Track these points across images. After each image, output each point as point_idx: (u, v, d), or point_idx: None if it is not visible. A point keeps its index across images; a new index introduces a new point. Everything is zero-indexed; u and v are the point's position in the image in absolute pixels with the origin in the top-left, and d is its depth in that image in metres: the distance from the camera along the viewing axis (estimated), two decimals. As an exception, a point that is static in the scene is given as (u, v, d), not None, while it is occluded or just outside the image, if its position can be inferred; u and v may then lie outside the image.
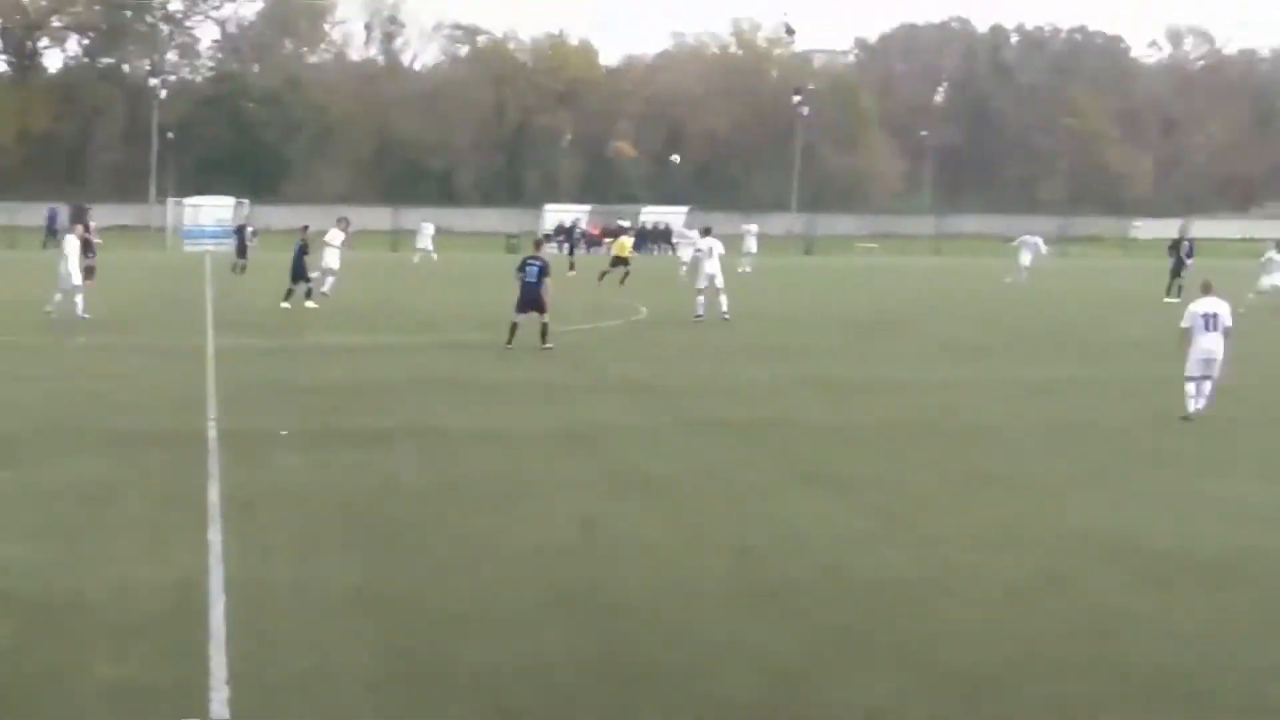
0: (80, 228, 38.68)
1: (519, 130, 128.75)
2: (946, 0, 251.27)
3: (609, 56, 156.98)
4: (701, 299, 38.67)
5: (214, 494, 16.11)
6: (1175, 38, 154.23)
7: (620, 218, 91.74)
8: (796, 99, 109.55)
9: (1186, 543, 14.95)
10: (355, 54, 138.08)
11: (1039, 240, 61.50)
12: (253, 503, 15.77)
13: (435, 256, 69.79)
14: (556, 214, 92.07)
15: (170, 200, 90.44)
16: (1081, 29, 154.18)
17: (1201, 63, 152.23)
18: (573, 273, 55.15)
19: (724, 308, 38.17)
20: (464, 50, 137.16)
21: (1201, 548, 14.76)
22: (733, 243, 54.44)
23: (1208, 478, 18.69)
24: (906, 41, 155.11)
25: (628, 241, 56.90)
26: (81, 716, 9.77)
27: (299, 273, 40.57)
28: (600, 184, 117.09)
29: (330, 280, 42.65)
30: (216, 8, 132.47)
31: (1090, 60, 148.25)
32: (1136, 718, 10.16)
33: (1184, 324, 23.43)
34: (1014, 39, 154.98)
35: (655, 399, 24.80)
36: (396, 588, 12.75)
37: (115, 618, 11.72)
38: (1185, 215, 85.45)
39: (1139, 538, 15.08)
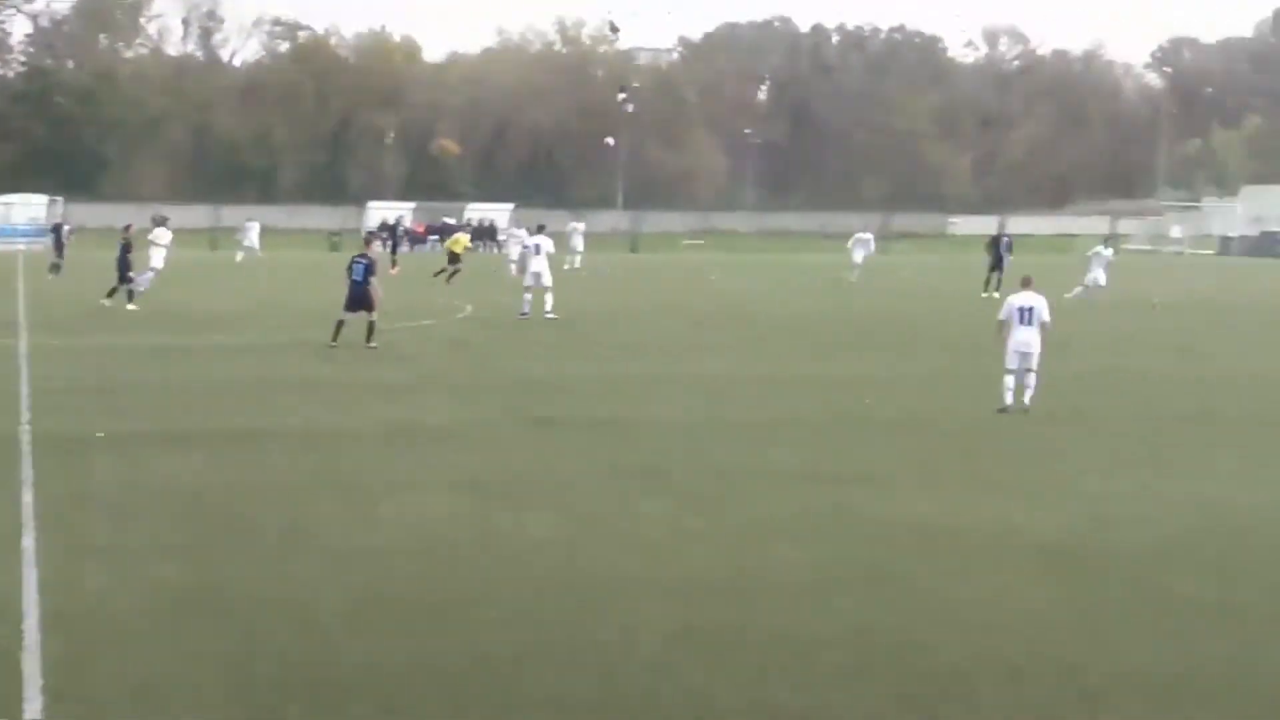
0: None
1: (341, 127, 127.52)
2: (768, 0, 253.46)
3: (433, 53, 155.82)
4: (528, 296, 38.59)
5: (28, 498, 15.70)
6: (991, 38, 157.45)
7: (445, 215, 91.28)
8: (621, 96, 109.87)
9: (1005, 531, 15.22)
10: (173, 49, 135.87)
11: (871, 237, 62.32)
12: (69, 507, 15.40)
13: (260, 254, 68.81)
14: (380, 211, 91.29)
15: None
16: (900, 28, 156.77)
17: (1017, 63, 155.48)
18: (395, 270, 54.74)
19: (548, 307, 38.08)
20: (284, 46, 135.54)
21: (1020, 536, 15.04)
22: (560, 240, 54.41)
23: (1025, 467, 19.06)
24: (729, 40, 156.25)
25: (464, 237, 56.57)
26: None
27: (124, 272, 39.70)
28: (424, 181, 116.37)
29: (149, 277, 41.75)
30: (28, 1, 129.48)
31: (909, 59, 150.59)
32: (958, 703, 10.31)
33: (1001, 316, 23.88)
34: (835, 38, 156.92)
35: (481, 397, 24.72)
36: (222, 591, 12.52)
37: (-75, 627, 11.37)
38: (1001, 212, 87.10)
39: (959, 527, 15.33)
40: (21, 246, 73.07)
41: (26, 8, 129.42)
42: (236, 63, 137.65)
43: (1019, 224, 72.55)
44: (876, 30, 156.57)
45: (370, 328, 30.30)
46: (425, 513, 15.60)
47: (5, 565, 13.01)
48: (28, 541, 13.82)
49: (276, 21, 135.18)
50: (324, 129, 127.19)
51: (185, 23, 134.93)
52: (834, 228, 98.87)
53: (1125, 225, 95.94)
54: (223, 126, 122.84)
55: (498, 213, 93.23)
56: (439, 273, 51.87)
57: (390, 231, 68.08)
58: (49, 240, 58.38)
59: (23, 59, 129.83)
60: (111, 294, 39.23)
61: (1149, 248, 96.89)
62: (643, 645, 11.31)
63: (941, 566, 13.86)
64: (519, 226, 60.67)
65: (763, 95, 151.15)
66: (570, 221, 67.40)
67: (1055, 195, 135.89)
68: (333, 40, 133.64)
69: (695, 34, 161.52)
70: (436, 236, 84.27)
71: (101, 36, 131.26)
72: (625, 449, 19.95)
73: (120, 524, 14.77)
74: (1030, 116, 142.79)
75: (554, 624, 11.84)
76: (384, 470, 18.02)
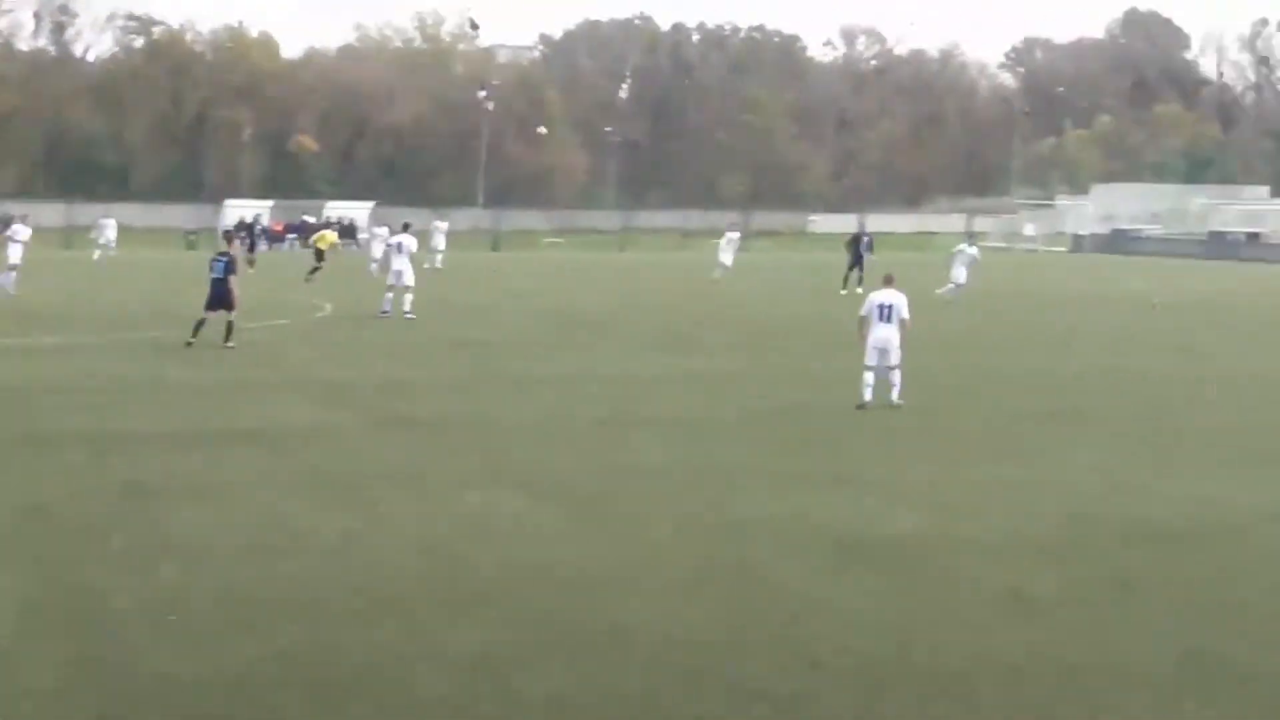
0: None
1: (198, 124, 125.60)
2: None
3: (290, 49, 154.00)
4: (390, 295, 38.35)
5: None
6: (849, 37, 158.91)
7: (304, 213, 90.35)
8: (482, 94, 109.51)
9: (860, 527, 15.44)
10: (24, 44, 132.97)
11: (738, 236, 62.64)
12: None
13: (115, 252, 67.63)
14: (238, 209, 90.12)
15: None
16: (760, 28, 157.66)
17: (874, 62, 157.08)
18: (252, 270, 54.12)
19: (407, 307, 37.86)
20: (139, 41, 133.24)
21: (874, 531, 15.26)
22: (422, 239, 54.09)
23: (883, 463, 19.32)
24: (590, 38, 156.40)
25: (331, 234, 56.08)
26: None
27: None
28: (283, 179, 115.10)
29: (13, 278, 41.03)
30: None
31: (768, 58, 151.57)
32: (822, 700, 10.46)
33: (862, 313, 24.17)
34: (695, 37, 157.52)
35: (341, 396, 24.57)
36: (75, 595, 12.37)
37: None
38: (860, 210, 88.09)
39: (817, 523, 15.52)
40: None
41: None
42: (90, 58, 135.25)
43: (877, 222, 73.43)
44: (736, 29, 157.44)
45: (229, 327, 29.99)
46: (283, 512, 15.49)
47: None
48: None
49: (130, 16, 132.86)
50: (180, 126, 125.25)
51: (37, 17, 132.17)
52: (694, 225, 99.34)
53: (981, 223, 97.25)
54: (76, 123, 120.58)
55: (358, 211, 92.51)
56: (314, 272, 51.56)
57: (248, 230, 67.30)
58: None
59: None
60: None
61: (1004, 245, 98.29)
62: (505, 643, 11.33)
63: (804, 563, 14.04)
64: (381, 225, 60.21)
65: (624, 93, 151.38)
66: (433, 220, 66.99)
67: (912, 193, 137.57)
68: (188, 36, 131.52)
69: (556, 31, 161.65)
70: (295, 235, 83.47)
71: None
72: (485, 448, 19.95)
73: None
74: (887, 115, 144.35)
75: (425, 621, 11.83)
76: (241, 471, 17.86)
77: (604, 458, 19.29)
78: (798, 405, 24.49)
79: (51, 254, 68.25)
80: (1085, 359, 32.74)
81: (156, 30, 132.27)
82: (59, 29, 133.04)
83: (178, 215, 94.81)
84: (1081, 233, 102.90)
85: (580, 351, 31.97)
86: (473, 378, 27.35)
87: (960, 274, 48.00)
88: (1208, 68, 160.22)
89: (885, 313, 23.69)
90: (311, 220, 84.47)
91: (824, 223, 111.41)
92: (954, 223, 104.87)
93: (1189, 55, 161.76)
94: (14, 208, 49.99)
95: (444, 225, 66.70)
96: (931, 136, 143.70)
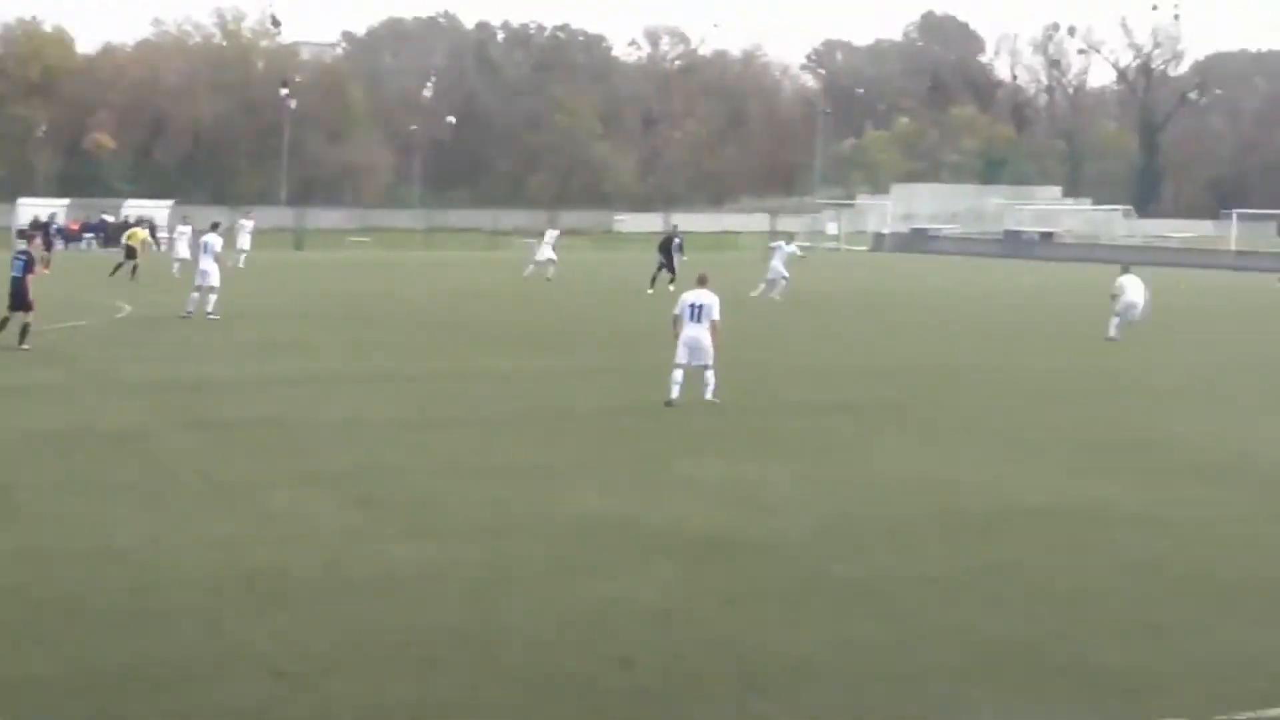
0: None
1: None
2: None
3: (86, 44, 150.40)
4: (195, 295, 37.72)
5: None
6: (653, 38, 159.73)
7: (103, 211, 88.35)
8: (284, 91, 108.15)
9: (668, 523, 15.54)
10: None
11: (558, 234, 62.61)
12: None
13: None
14: (31, 208, 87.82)
15: None
16: (565, 27, 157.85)
17: (678, 62, 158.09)
18: (47, 270, 52.77)
19: (210, 308, 37.26)
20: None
21: (683, 527, 15.38)
22: (227, 238, 53.26)
23: (691, 458, 19.46)
24: (394, 36, 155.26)
25: (141, 232, 55.01)
26: None
27: None
28: (79, 177, 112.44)
29: None
30: None
31: (573, 58, 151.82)
32: (632, 696, 10.53)
33: (675, 312, 24.32)
34: (500, 35, 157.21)
35: (142, 398, 24.13)
36: None
37: None
38: (666, 209, 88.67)
39: (624, 520, 15.61)
40: None
41: None
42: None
43: (683, 222, 73.74)
44: (542, 28, 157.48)
45: (24, 329, 29.30)
46: (84, 514, 15.17)
47: None
48: None
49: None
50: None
51: None
52: (501, 225, 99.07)
53: (785, 222, 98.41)
54: None
55: (158, 210, 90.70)
56: (134, 269, 50.53)
57: (42, 229, 65.64)
58: None
59: None
60: None
61: (807, 244, 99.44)
62: (313, 648, 11.23)
63: (612, 559, 14.11)
64: (186, 224, 59.16)
65: (428, 92, 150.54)
66: (239, 219, 65.96)
67: (718, 193, 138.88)
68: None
69: (360, 29, 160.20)
70: (94, 235, 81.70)
71: None
72: (291, 449, 19.73)
73: None
74: (692, 116, 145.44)
75: (230, 625, 11.66)
76: (38, 474, 17.46)
77: (410, 458, 19.18)
78: (606, 403, 24.58)
79: None
80: (890, 354, 33.30)
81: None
82: None
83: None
84: (882, 231, 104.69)
85: (386, 351, 31.73)
86: (277, 379, 27.01)
87: (780, 269, 48.91)
88: (1002, 70, 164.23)
89: (696, 312, 23.89)
90: (111, 219, 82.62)
91: (631, 222, 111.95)
92: (759, 222, 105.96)
93: (984, 58, 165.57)
94: None
95: (250, 224, 65.67)
96: (736, 137, 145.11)
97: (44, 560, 13.53)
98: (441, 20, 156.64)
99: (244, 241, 63.04)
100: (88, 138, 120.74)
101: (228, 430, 21.13)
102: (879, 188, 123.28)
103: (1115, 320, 37.27)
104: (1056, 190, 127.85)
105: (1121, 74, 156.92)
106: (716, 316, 23.90)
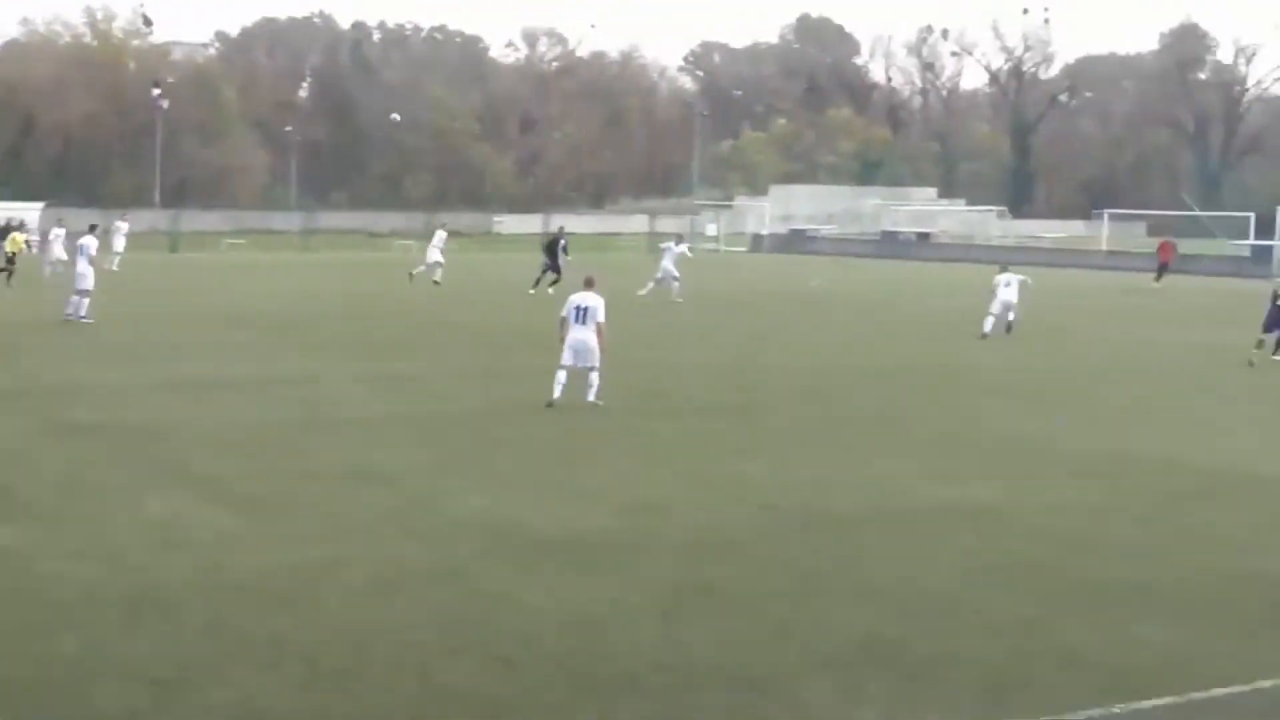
0: None
1: None
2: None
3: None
4: (74, 299, 37.10)
5: None
6: (530, 39, 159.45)
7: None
8: (156, 92, 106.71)
9: (550, 525, 15.51)
10: None
11: (445, 235, 62.22)
12: None
13: None
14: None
15: None
16: (442, 28, 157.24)
17: (556, 64, 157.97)
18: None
19: (84, 311, 36.67)
20: None
21: (565, 529, 15.36)
22: (104, 240, 52.45)
23: (568, 461, 19.45)
24: (268, 36, 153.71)
25: (20, 237, 54.09)
26: None
27: None
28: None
29: None
30: None
31: (450, 59, 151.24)
32: (515, 698, 10.48)
33: (562, 313, 24.29)
34: (376, 36, 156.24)
35: (9, 403, 23.65)
36: None
37: None
38: (545, 211, 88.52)
39: (506, 522, 15.55)
40: None
41: None
42: None
43: (564, 223, 73.66)
44: (418, 29, 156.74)
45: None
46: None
47: None
48: None
49: None
50: None
51: None
52: (379, 226, 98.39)
53: (664, 223, 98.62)
54: None
55: (28, 212, 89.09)
56: (9, 275, 49.54)
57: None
58: None
59: None
60: None
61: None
62: (189, 652, 11.07)
63: (495, 562, 14.04)
64: (60, 226, 58.26)
65: (304, 92, 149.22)
66: (115, 221, 64.99)
67: (597, 194, 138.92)
68: None
69: (233, 29, 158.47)
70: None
71: None
72: (165, 454, 19.45)
73: None
74: (571, 117, 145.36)
75: (103, 633, 11.46)
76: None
77: (289, 462, 18.97)
78: (487, 405, 24.50)
79: None
80: (768, 355, 33.47)
81: None
82: None
83: None
84: (761, 232, 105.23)
85: (262, 354, 31.38)
86: (152, 382, 26.59)
87: (670, 269, 49.26)
88: (877, 73, 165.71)
89: (581, 315, 23.88)
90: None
91: (511, 223, 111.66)
92: (638, 223, 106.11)
93: (859, 60, 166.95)
94: None
95: (125, 226, 64.86)
96: (614, 138, 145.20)
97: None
98: (316, 20, 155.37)
99: (119, 244, 62.18)
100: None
101: (100, 435, 20.78)
102: (757, 189, 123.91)
103: (991, 319, 37.75)
104: (932, 191, 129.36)
105: (993, 76, 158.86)
106: (602, 319, 23.90)
